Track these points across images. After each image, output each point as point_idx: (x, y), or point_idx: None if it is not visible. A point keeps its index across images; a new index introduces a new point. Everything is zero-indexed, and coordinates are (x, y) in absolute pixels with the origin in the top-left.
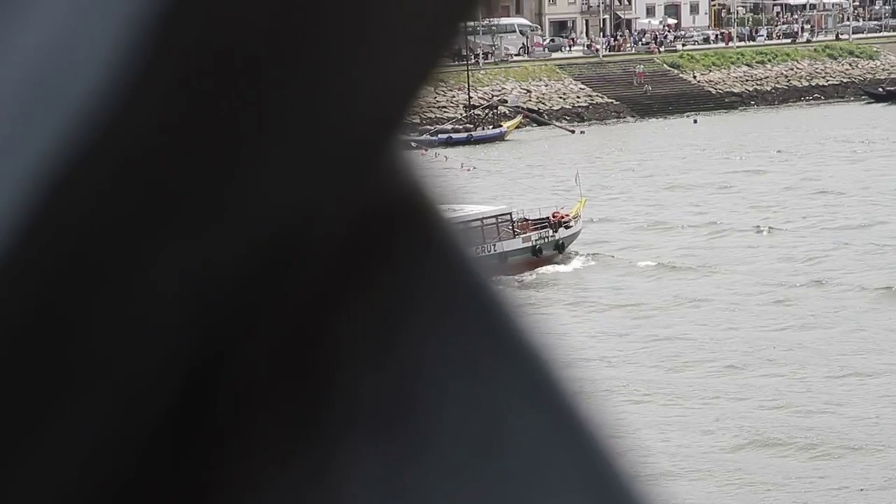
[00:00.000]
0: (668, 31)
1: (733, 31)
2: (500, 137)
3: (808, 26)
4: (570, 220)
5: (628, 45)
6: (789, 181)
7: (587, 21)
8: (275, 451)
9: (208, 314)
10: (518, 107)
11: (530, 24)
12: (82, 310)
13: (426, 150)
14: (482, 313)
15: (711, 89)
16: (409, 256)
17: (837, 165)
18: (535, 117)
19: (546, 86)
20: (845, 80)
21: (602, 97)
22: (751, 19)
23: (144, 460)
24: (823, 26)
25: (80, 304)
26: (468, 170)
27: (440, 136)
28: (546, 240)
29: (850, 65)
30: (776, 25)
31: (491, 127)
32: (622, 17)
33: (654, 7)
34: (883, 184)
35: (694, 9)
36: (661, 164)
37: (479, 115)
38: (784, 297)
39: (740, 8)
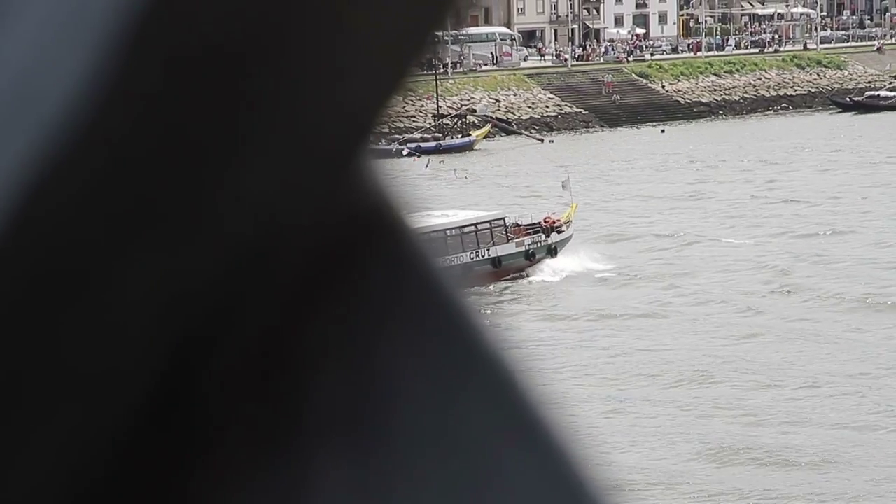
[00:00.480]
0: (639, 41)
1: (702, 40)
2: (468, 147)
3: (777, 36)
4: (561, 225)
5: (596, 54)
6: (757, 190)
7: (556, 31)
8: (246, 456)
9: (181, 319)
10: (487, 116)
11: (510, 32)
12: (58, 314)
13: (417, 157)
14: (449, 322)
15: (680, 99)
16: (378, 265)
17: (811, 173)
18: (504, 126)
19: (515, 95)
20: (813, 90)
21: (571, 107)
22: (719, 29)
23: (118, 466)
24: (791, 36)
25: (55, 308)
26: (465, 177)
27: (409, 145)
28: (539, 244)
29: (818, 75)
30: (743, 35)
31: (460, 136)
32: (591, 26)
33: (622, 17)
34: (854, 192)
35: (662, 18)
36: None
37: (447, 124)
38: (752, 307)
39: (708, 18)
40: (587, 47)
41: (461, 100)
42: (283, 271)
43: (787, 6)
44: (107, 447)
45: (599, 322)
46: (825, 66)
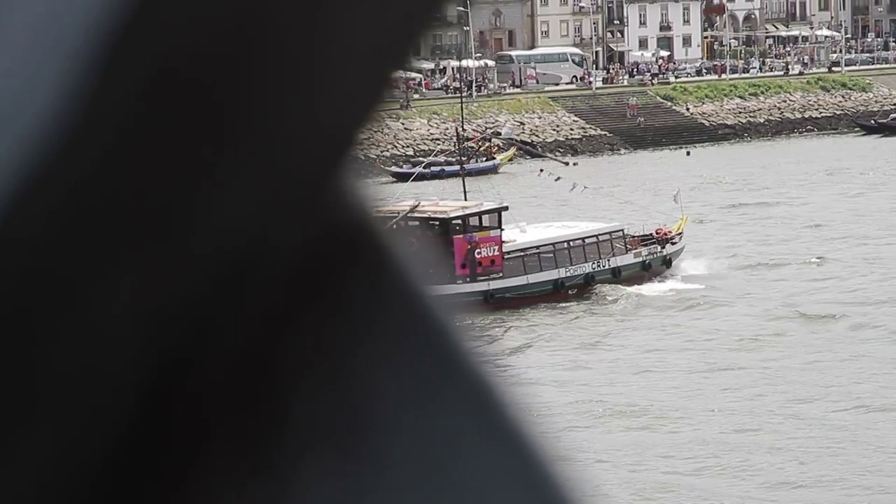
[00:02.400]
0: (664, 62)
1: (727, 63)
2: (493, 170)
3: (801, 58)
4: (674, 236)
5: (620, 77)
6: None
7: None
8: (229, 475)
9: (163, 335)
10: (512, 139)
11: (581, 52)
12: (39, 325)
13: (541, 170)
14: (432, 340)
15: (705, 121)
16: (358, 279)
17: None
18: (529, 149)
19: (539, 118)
20: (838, 112)
21: (595, 129)
22: (743, 51)
23: (99, 480)
24: (816, 58)
25: (37, 319)
26: (581, 189)
27: (432, 168)
28: (655, 255)
29: (843, 97)
30: (769, 58)
31: (484, 159)
32: (615, 49)
33: (646, 39)
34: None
35: (686, 41)
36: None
37: (472, 147)
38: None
39: (732, 40)
40: (611, 70)
41: (486, 122)
42: (266, 284)
43: (811, 28)
44: (92, 456)
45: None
46: (850, 89)
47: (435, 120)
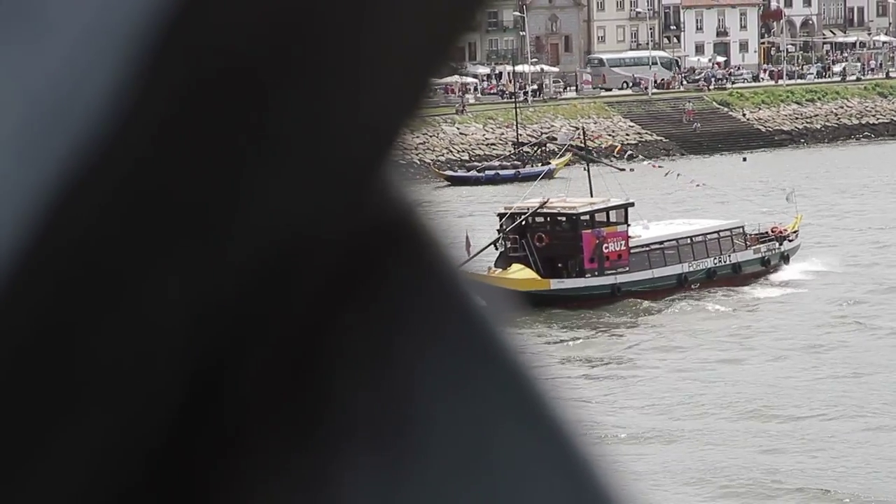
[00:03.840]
0: (720, 68)
1: (784, 68)
2: (548, 175)
3: (858, 64)
4: (790, 234)
5: (676, 82)
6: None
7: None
8: (272, 460)
9: (209, 327)
10: (568, 144)
11: (668, 56)
12: (88, 319)
13: (655, 166)
14: (473, 333)
15: (761, 127)
16: (403, 273)
17: None
18: (584, 155)
19: (595, 123)
20: (895, 119)
21: (651, 134)
22: (800, 57)
23: (147, 466)
24: (875, 63)
25: (86, 313)
26: (699, 185)
27: (487, 172)
28: (773, 252)
29: None
30: (831, 63)
31: (539, 164)
32: (672, 55)
33: (703, 45)
34: None
35: (743, 47)
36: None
37: (527, 152)
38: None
39: (790, 46)
40: (655, 75)
41: (541, 128)
42: (310, 279)
43: (868, 34)
44: (139, 446)
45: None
46: None
47: (490, 125)
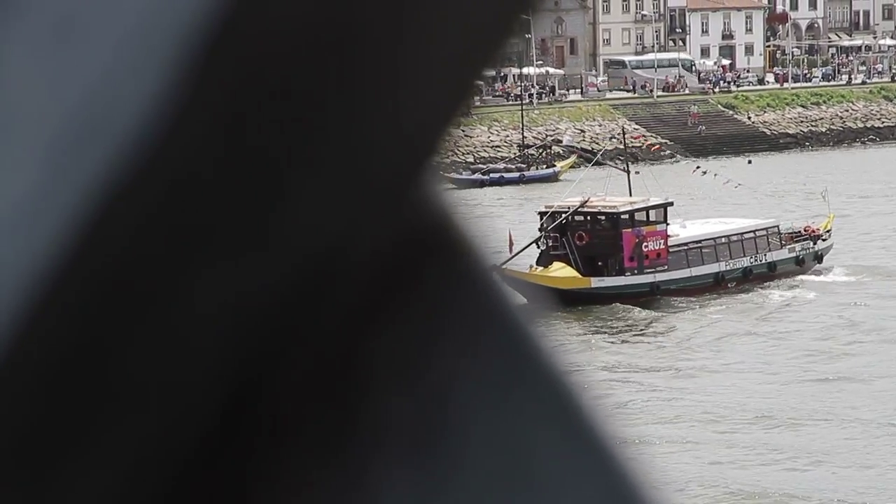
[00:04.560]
0: (726, 71)
1: (789, 71)
2: (553, 177)
3: (864, 67)
4: (823, 233)
5: (682, 85)
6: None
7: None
8: (307, 470)
9: (246, 338)
10: (572, 147)
11: (690, 58)
12: (125, 332)
13: (696, 168)
14: (510, 341)
15: (766, 130)
16: (439, 284)
17: None
18: (589, 157)
19: (600, 126)
20: None
21: (656, 137)
22: (805, 60)
23: (182, 477)
24: (881, 66)
25: (122, 326)
26: (735, 186)
27: (492, 174)
28: (808, 251)
29: None
30: (838, 66)
31: (544, 166)
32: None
33: (708, 48)
34: None
35: (748, 50)
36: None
37: (532, 154)
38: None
39: (795, 49)
40: (667, 78)
41: (546, 130)
42: (346, 292)
43: (874, 38)
44: (175, 457)
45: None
46: None
47: (495, 127)
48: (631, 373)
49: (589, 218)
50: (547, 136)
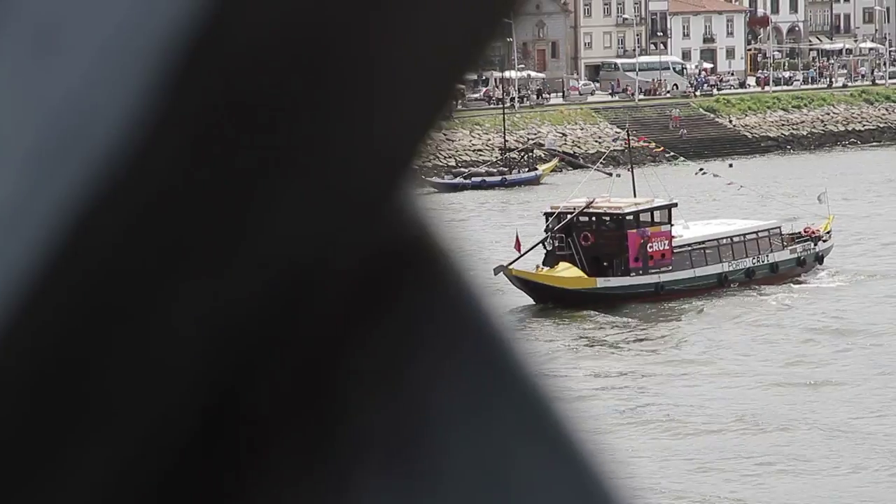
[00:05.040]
0: (707, 74)
1: (770, 75)
2: (535, 181)
3: (843, 71)
4: (823, 234)
5: (664, 88)
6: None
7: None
8: (286, 482)
9: (224, 349)
10: (554, 150)
11: (680, 61)
12: (104, 343)
13: (699, 170)
14: (487, 350)
15: (748, 133)
16: (417, 295)
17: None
18: (571, 160)
19: (582, 129)
20: (882, 126)
21: (637, 141)
22: (787, 64)
23: (163, 486)
24: (859, 71)
25: (101, 337)
26: (739, 187)
27: (474, 178)
28: (809, 252)
29: (887, 109)
30: (822, 70)
31: (526, 170)
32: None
33: (689, 51)
34: None
35: (730, 53)
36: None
37: (514, 158)
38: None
39: (776, 53)
40: (654, 81)
41: (528, 133)
42: (324, 304)
43: (855, 41)
44: (156, 466)
45: None
46: (894, 102)
47: (477, 131)
48: (631, 377)
49: (594, 219)
50: (529, 139)
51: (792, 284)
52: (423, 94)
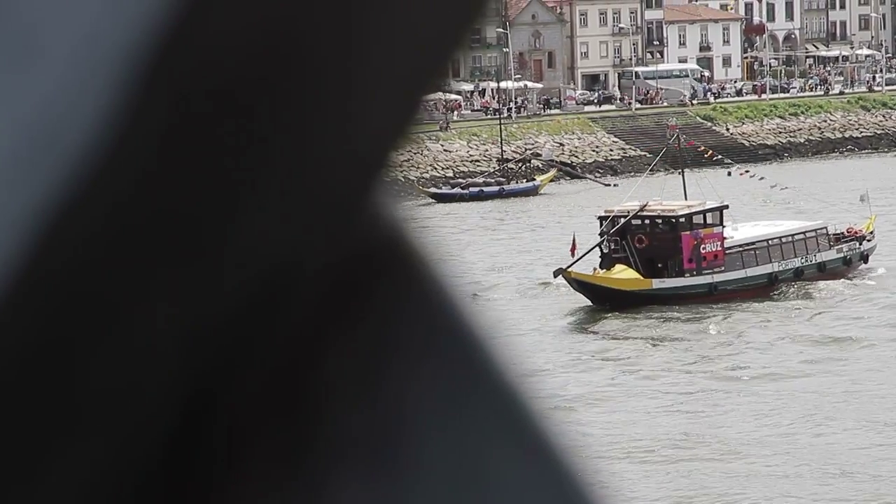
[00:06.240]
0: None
1: (767, 83)
2: (533, 191)
3: (840, 78)
4: (867, 234)
5: (660, 97)
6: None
7: (619, 74)
8: (264, 484)
9: (200, 352)
10: (552, 160)
11: (700, 69)
12: (80, 343)
13: (743, 172)
14: (465, 354)
15: (745, 141)
16: (392, 301)
17: None
18: (569, 170)
19: (579, 139)
20: (879, 132)
21: (635, 150)
22: (783, 71)
23: (140, 490)
24: (856, 78)
25: (77, 338)
26: (783, 189)
27: (471, 189)
28: (854, 251)
29: (884, 116)
30: (825, 77)
31: (524, 180)
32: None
33: (686, 60)
34: None
35: (726, 61)
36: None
37: (511, 168)
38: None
39: (773, 61)
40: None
41: (525, 144)
42: (300, 304)
43: (851, 48)
44: (131, 469)
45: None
46: (891, 108)
47: (474, 141)
48: (694, 369)
49: (647, 222)
50: (526, 149)
51: (841, 282)
52: (396, 97)
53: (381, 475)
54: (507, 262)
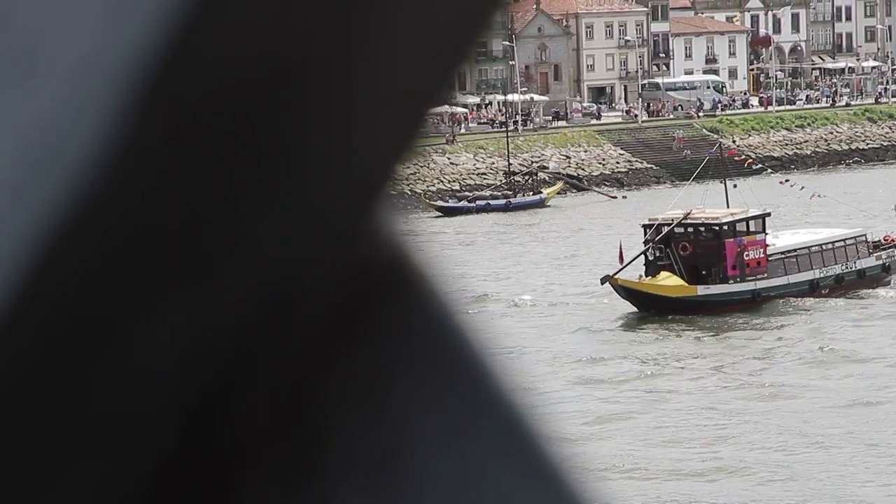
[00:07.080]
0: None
1: (773, 94)
2: (540, 204)
3: (846, 90)
4: None
5: (666, 109)
6: None
7: (626, 87)
8: (266, 499)
9: (202, 372)
10: (558, 173)
11: (719, 79)
12: (81, 363)
13: (784, 180)
14: (467, 372)
15: (751, 153)
16: (395, 318)
17: None
18: (575, 183)
19: (585, 151)
20: (885, 144)
21: (641, 162)
22: (789, 83)
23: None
24: (862, 89)
25: (78, 357)
26: (819, 196)
27: (478, 202)
28: (893, 258)
29: (891, 128)
30: (835, 90)
31: (531, 193)
32: (661, 82)
33: (692, 72)
34: None
35: (732, 73)
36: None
37: (518, 181)
38: None
39: (779, 72)
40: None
41: (532, 157)
42: (301, 327)
43: (857, 60)
44: (133, 489)
45: None
46: None
47: (481, 154)
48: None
49: (691, 229)
50: (532, 162)
51: (880, 288)
52: (401, 111)
53: (384, 494)
54: (561, 266)
